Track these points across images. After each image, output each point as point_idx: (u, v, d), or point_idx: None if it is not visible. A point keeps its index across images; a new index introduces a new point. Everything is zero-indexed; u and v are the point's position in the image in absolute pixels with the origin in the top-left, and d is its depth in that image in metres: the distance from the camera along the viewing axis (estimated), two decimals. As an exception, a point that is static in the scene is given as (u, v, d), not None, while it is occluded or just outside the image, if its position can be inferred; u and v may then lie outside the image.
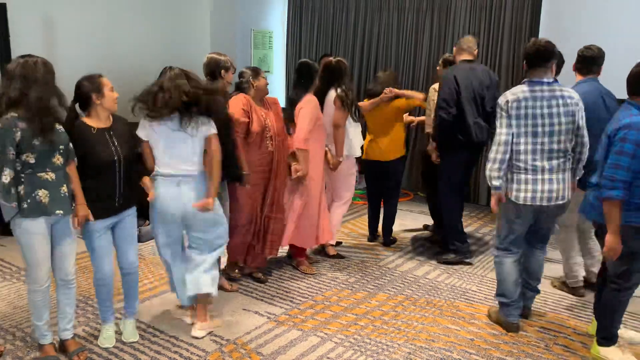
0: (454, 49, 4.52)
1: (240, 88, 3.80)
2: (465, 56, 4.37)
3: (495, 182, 3.18)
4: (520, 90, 3.17)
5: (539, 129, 3.12)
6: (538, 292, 3.57)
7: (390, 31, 6.93)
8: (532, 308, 3.61)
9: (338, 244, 4.83)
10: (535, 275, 3.51)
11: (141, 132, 3.07)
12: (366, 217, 5.07)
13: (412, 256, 4.71)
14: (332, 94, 4.26)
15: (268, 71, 7.68)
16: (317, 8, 7.46)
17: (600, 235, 3.00)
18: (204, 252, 3.23)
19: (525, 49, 3.23)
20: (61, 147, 2.74)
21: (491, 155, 3.18)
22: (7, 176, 2.61)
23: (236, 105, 3.63)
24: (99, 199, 2.92)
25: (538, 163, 3.14)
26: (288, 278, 4.15)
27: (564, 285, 4.00)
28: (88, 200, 2.87)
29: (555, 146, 3.14)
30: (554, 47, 3.16)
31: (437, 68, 4.97)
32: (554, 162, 3.16)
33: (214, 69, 3.59)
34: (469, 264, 4.51)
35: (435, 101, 4.46)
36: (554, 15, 5.59)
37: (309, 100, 3.99)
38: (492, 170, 3.17)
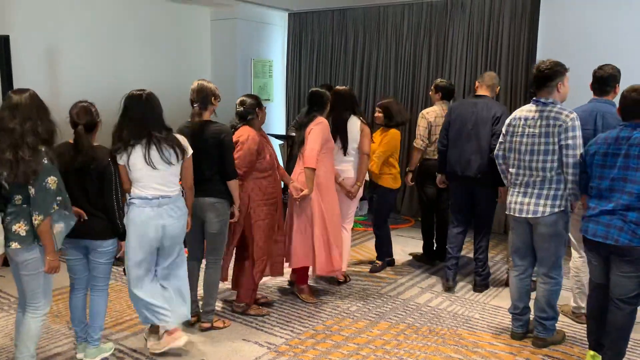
0: (476, 83, 4.52)
1: (244, 118, 3.72)
2: (482, 91, 4.42)
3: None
4: (520, 109, 3.50)
5: (523, 147, 3.39)
6: (541, 323, 3.50)
7: (389, 59, 7.00)
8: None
9: (346, 279, 4.68)
10: (538, 305, 3.50)
11: None
12: (368, 243, 5.05)
13: (414, 283, 4.66)
14: (355, 120, 4.36)
15: (268, 99, 7.75)
16: (316, 37, 7.56)
17: (617, 259, 2.98)
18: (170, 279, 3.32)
19: (532, 73, 3.42)
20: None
21: None
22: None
23: (247, 143, 3.63)
24: None
25: (520, 178, 3.43)
26: (288, 307, 4.11)
27: (572, 312, 3.95)
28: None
29: (534, 164, 3.34)
30: (556, 67, 3.30)
31: (430, 93, 5.10)
32: (532, 179, 3.37)
33: (204, 95, 3.49)
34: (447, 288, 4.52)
35: (424, 127, 4.83)
36: (550, 40, 5.64)
37: (320, 122, 4.03)
38: (502, 178, 3.72)
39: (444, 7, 6.51)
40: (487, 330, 3.76)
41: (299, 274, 4.24)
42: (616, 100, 3.40)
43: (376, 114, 4.79)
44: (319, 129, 3.98)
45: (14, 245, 2.72)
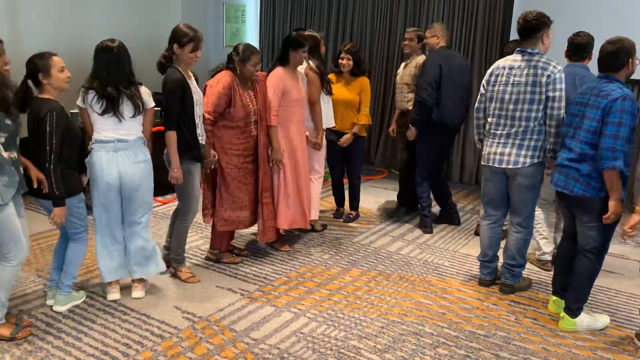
0: (428, 32, 4.64)
1: (229, 65, 3.65)
2: (442, 43, 4.59)
3: (479, 146, 3.68)
4: (503, 59, 3.47)
5: (507, 96, 3.36)
6: (510, 270, 3.59)
7: (366, 5, 6.84)
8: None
9: (324, 227, 4.73)
10: (509, 252, 3.58)
11: None
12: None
13: (386, 232, 4.73)
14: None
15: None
16: (291, -19, 7.32)
17: (576, 209, 3.06)
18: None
19: (517, 22, 3.37)
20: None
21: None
22: None
23: (215, 87, 3.54)
24: None
25: (500, 128, 3.41)
26: (262, 255, 4.13)
27: (537, 260, 4.07)
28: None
29: (517, 114, 3.33)
30: (542, 18, 3.27)
31: (409, 43, 4.83)
32: (514, 129, 3.36)
33: (169, 40, 3.37)
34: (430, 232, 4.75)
35: (407, 79, 4.78)
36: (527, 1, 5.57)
37: (272, 74, 3.91)
38: (474, 136, 3.70)
39: (422, -47, 6.34)
40: (456, 277, 3.86)
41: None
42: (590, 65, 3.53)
43: (345, 61, 4.57)
44: (270, 83, 3.85)
45: None
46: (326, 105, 4.41)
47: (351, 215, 4.97)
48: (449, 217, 4.96)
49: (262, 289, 3.58)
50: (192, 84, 3.43)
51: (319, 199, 4.52)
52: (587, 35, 3.73)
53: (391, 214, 5.18)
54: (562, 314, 3.22)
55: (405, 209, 5.20)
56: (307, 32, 4.31)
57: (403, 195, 5.20)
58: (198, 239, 4.38)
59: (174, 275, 3.71)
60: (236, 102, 3.57)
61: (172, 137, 3.30)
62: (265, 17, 7.63)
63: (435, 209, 5.05)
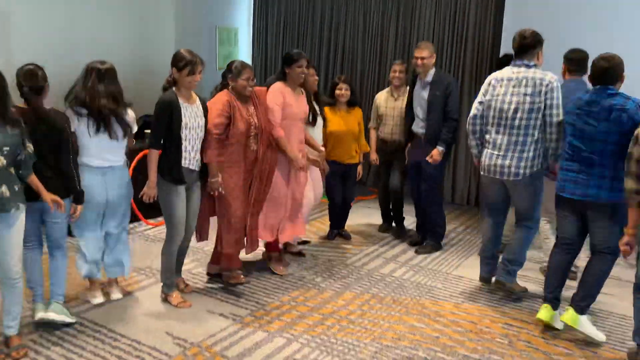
0: (426, 52, 4.46)
1: (224, 83, 3.72)
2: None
3: (473, 150, 3.82)
4: (500, 71, 3.63)
5: (506, 105, 3.51)
6: (507, 266, 3.76)
7: (357, 29, 6.93)
8: (499, 306, 3.66)
9: (305, 242, 4.81)
10: (509, 248, 3.77)
11: None
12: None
13: (379, 254, 4.72)
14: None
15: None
16: (282, 4, 7.41)
17: (596, 214, 3.19)
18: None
19: (513, 39, 3.57)
20: (5, 148, 2.73)
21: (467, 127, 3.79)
22: None
23: (214, 106, 3.57)
24: None
25: (500, 138, 3.55)
26: (254, 278, 4.10)
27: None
28: None
29: (516, 122, 3.48)
30: (537, 37, 3.51)
31: (399, 75, 4.89)
32: (514, 138, 3.51)
33: (170, 64, 3.44)
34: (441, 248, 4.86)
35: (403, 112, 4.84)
36: (516, 16, 5.66)
37: (272, 88, 3.95)
38: (469, 141, 3.82)
39: (412, -22, 6.45)
40: (449, 300, 3.85)
41: (273, 242, 4.22)
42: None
43: (343, 91, 4.62)
44: (269, 97, 3.89)
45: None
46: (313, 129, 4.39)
47: (342, 232, 5.07)
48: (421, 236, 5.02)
49: (254, 314, 3.55)
50: (191, 107, 3.46)
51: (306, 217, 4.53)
52: (583, 50, 3.93)
53: (382, 232, 5.26)
54: (568, 307, 3.29)
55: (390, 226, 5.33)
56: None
57: (393, 215, 5.28)
58: (189, 262, 4.34)
59: (165, 300, 3.67)
60: (236, 118, 3.58)
61: (153, 155, 3.39)
62: (257, 40, 7.70)
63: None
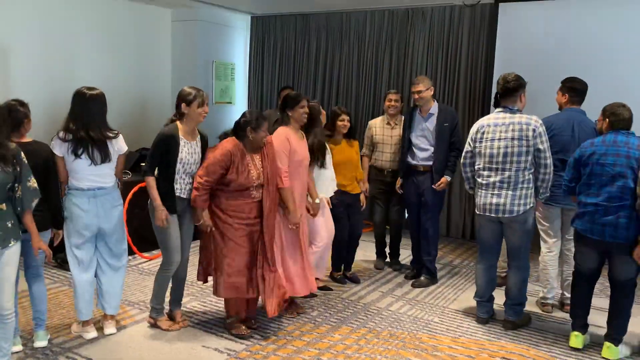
0: (422, 86, 4.54)
1: (236, 131, 3.54)
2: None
3: (470, 192, 3.99)
4: (487, 117, 3.82)
5: (495, 150, 3.68)
6: (513, 307, 3.89)
7: (351, 64, 7.04)
8: (497, 339, 3.63)
9: (326, 289, 4.61)
10: (511, 294, 3.87)
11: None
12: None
13: (375, 288, 4.69)
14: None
15: (230, 102, 7.67)
16: (278, 41, 7.54)
17: (620, 252, 3.34)
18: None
19: (497, 83, 3.77)
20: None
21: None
22: None
23: (215, 153, 3.45)
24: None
25: (492, 179, 3.70)
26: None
27: (539, 301, 4.29)
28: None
29: (507, 165, 3.65)
30: (520, 80, 3.71)
31: (395, 104, 4.94)
32: (506, 179, 3.66)
33: (176, 102, 3.51)
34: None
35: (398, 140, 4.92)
36: (507, 51, 5.80)
37: (277, 135, 3.79)
38: (466, 186, 4.01)
39: (405, 15, 6.61)
40: (446, 334, 3.82)
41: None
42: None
43: (345, 122, 4.54)
44: (275, 144, 3.71)
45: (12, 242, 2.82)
46: (324, 174, 4.26)
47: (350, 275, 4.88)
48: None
49: (249, 349, 3.50)
50: (190, 144, 3.50)
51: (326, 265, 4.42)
52: (582, 80, 4.08)
53: (381, 268, 5.20)
54: (607, 343, 3.47)
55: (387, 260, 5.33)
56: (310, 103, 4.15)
57: (390, 248, 5.29)
58: (185, 296, 4.30)
59: (154, 326, 3.68)
60: (234, 170, 3.44)
61: (150, 181, 3.47)
62: (254, 75, 7.81)
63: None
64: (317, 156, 4.12)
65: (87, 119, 3.28)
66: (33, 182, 2.86)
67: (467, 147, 3.87)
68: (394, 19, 6.69)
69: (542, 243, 4.19)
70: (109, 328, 3.61)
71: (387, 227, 5.23)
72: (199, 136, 3.60)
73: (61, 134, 3.29)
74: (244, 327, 3.69)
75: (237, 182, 3.46)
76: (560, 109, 4.15)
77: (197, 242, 3.78)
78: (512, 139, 3.61)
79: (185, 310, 4.02)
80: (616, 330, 3.47)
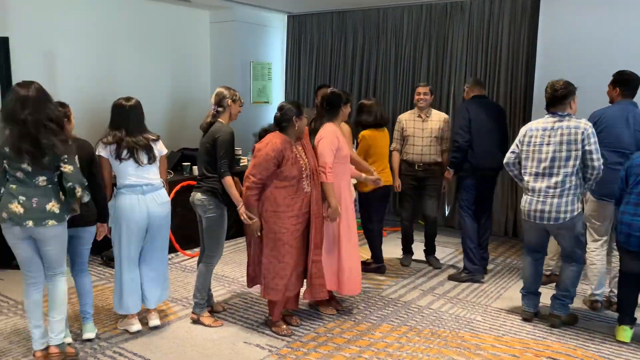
0: (466, 88, 4.86)
1: (279, 124, 3.57)
2: (472, 93, 4.79)
3: (520, 184, 3.90)
4: (535, 122, 3.77)
5: (543, 155, 3.63)
6: (562, 300, 3.81)
7: (388, 61, 6.99)
8: (542, 339, 3.55)
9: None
10: (562, 286, 3.80)
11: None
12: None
13: (415, 286, 4.64)
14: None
15: (267, 102, 7.73)
16: (315, 39, 7.55)
17: None
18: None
19: (545, 90, 3.71)
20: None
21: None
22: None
23: (264, 149, 3.45)
24: None
25: (539, 184, 3.65)
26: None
27: (588, 300, 4.21)
28: None
29: (555, 170, 3.59)
30: (569, 87, 3.63)
31: (424, 97, 5.02)
32: (553, 185, 3.60)
33: (221, 98, 3.66)
34: (478, 281, 4.73)
35: (436, 133, 4.97)
36: (550, 43, 5.64)
37: (326, 131, 3.80)
38: (517, 181, 3.95)
39: (443, 9, 6.51)
40: (489, 333, 3.75)
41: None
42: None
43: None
44: (328, 139, 3.72)
45: (51, 222, 2.95)
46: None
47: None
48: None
49: (290, 345, 3.52)
50: None
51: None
52: (632, 72, 3.99)
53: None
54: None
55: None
56: (333, 90, 4.29)
57: (426, 245, 5.26)
58: (225, 293, 4.36)
59: (196, 322, 3.74)
60: (288, 162, 3.46)
61: (229, 181, 3.54)
62: (290, 74, 7.85)
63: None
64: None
65: (129, 127, 3.42)
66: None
67: (512, 148, 3.84)
68: (432, 14, 6.60)
69: (589, 241, 4.07)
70: (153, 320, 3.69)
71: (419, 222, 5.22)
72: None
73: (105, 140, 3.43)
74: (284, 325, 3.70)
75: (291, 173, 3.49)
76: (611, 102, 4.04)
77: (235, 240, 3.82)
78: (561, 143, 3.57)
79: (227, 307, 4.07)
80: None
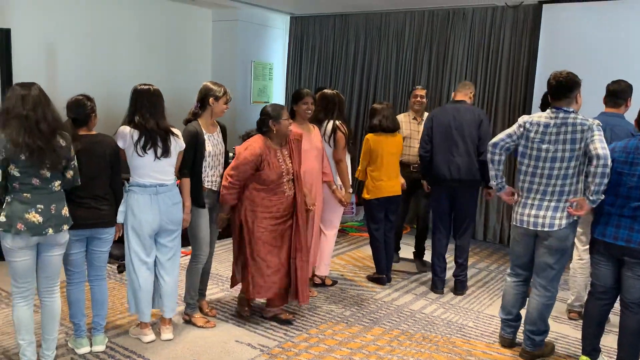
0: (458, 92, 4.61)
1: (260, 128, 3.63)
2: (459, 97, 4.53)
3: (492, 181, 3.47)
4: (537, 115, 3.33)
5: (543, 154, 3.24)
6: (530, 336, 3.45)
7: (389, 65, 7.00)
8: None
9: (334, 283, 4.70)
10: (528, 317, 3.43)
11: None
12: (363, 249, 5.03)
13: (408, 290, 4.65)
14: (329, 126, 4.30)
15: (268, 102, 7.74)
16: (317, 41, 7.57)
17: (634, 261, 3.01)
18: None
19: (548, 82, 3.28)
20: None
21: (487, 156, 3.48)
22: None
23: (244, 152, 3.52)
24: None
25: (535, 187, 3.29)
26: (282, 310, 4.07)
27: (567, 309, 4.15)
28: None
29: (554, 172, 3.21)
30: (574, 78, 3.22)
31: (420, 100, 5.15)
32: (550, 188, 3.24)
33: (203, 96, 3.58)
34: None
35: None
36: (551, 51, 5.67)
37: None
38: (489, 170, 3.45)
39: (445, 16, 6.53)
40: (480, 339, 3.75)
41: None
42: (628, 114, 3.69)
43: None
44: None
45: (65, 227, 2.89)
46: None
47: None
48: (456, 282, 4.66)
49: (281, 345, 3.52)
50: (213, 137, 3.61)
51: (330, 255, 4.49)
52: (626, 82, 3.81)
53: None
54: None
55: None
56: (329, 91, 4.45)
57: (416, 246, 5.31)
58: (219, 292, 4.36)
59: (188, 322, 3.72)
60: (265, 166, 3.52)
61: (186, 184, 3.49)
62: (291, 75, 7.86)
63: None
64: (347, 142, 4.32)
65: (154, 111, 3.24)
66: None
67: (509, 131, 3.36)
68: (434, 20, 6.62)
69: (578, 244, 3.95)
70: (167, 334, 3.50)
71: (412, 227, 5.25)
72: (218, 127, 3.71)
73: (128, 126, 3.23)
74: (247, 308, 3.86)
75: (269, 178, 3.53)
76: None
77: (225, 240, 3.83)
78: (564, 142, 3.16)
79: (219, 305, 4.08)
80: (626, 358, 3.16)
